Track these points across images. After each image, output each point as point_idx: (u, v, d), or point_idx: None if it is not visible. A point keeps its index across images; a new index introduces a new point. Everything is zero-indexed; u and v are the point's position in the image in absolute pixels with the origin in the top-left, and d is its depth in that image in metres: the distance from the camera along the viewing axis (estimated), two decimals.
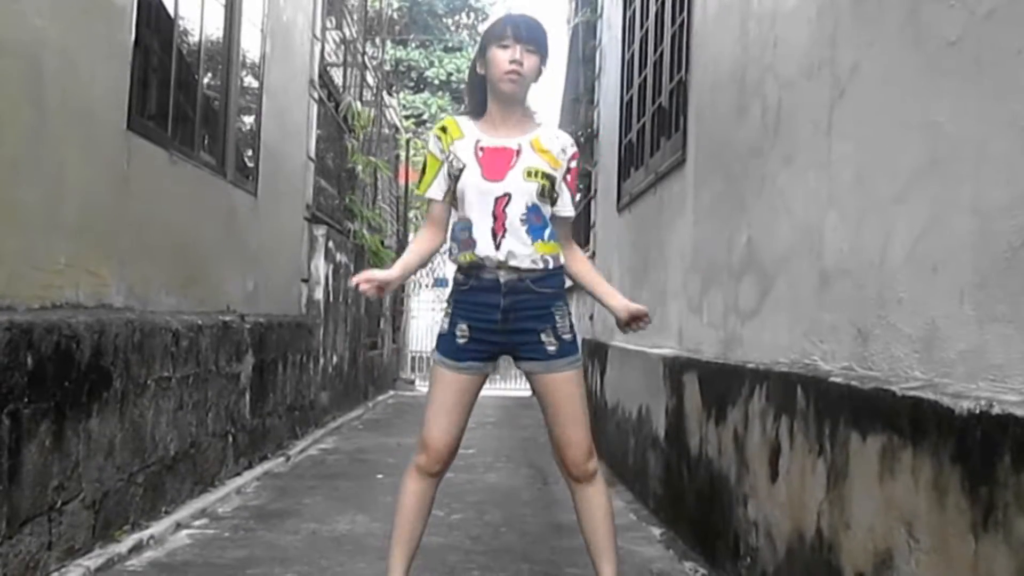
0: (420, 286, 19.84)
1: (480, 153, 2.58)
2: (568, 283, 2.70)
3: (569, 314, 2.65)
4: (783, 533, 2.66)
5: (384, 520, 4.20)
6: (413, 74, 22.90)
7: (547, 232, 2.57)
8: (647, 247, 5.36)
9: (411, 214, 14.61)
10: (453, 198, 2.65)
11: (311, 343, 7.27)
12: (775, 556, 2.72)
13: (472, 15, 24.81)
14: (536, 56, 2.56)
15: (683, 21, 4.52)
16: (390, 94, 13.89)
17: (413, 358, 18.29)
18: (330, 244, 7.87)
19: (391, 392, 12.59)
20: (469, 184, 2.55)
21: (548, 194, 2.58)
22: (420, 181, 2.72)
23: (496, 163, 2.56)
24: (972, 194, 1.85)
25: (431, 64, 22.92)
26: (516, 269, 2.52)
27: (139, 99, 3.95)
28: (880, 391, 2.06)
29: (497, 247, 2.51)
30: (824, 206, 2.61)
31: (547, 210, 2.60)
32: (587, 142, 8.45)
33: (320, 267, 7.63)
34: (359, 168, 9.49)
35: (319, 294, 7.63)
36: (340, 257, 8.47)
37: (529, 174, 2.55)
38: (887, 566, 1.98)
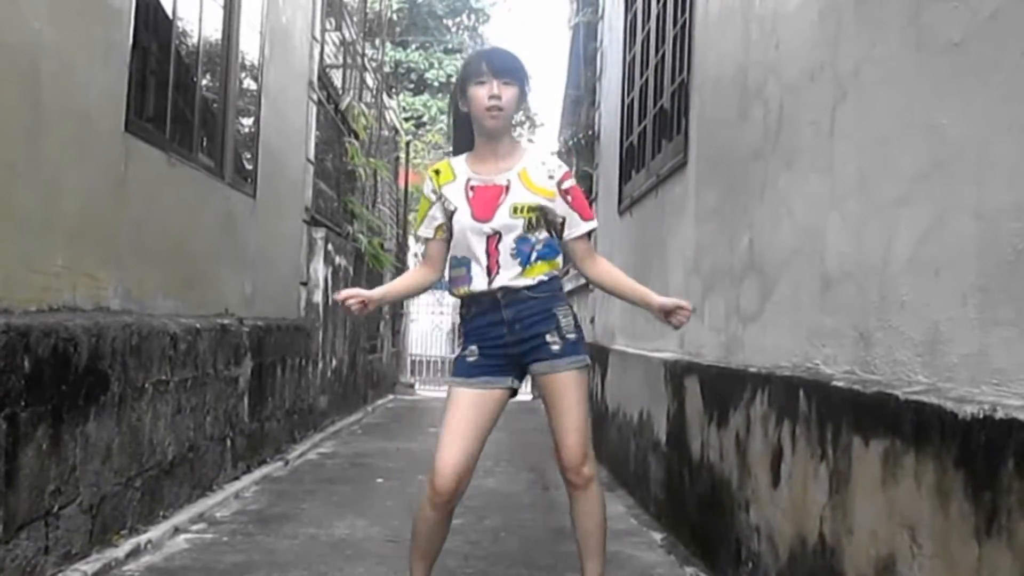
0: None
1: (471, 193, 2.66)
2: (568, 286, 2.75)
3: (574, 314, 2.71)
4: (785, 538, 2.65)
5: (383, 524, 4.19)
6: (413, 76, 22.90)
7: (534, 255, 2.63)
8: (648, 250, 5.35)
9: (411, 216, 14.59)
10: (448, 235, 2.73)
11: (310, 347, 7.26)
12: (777, 561, 2.70)
13: (472, 16, 24.82)
14: (514, 87, 2.61)
15: (684, 23, 4.50)
16: (390, 96, 13.89)
17: (413, 362, 18.28)
18: (329, 247, 7.86)
19: (391, 396, 12.58)
20: (462, 225, 2.64)
21: (538, 224, 2.64)
22: (416, 223, 2.86)
23: (485, 202, 2.63)
24: (975, 197, 1.84)
25: (431, 66, 22.92)
26: (509, 289, 2.62)
27: (137, 101, 3.94)
28: (883, 395, 2.04)
29: (491, 283, 2.62)
30: (826, 209, 2.59)
31: (536, 236, 2.64)
32: (588, 144, 8.44)
33: (319, 270, 7.62)
34: (360, 170, 9.48)
35: (318, 297, 7.61)
36: (339, 260, 8.45)
37: (516, 210, 2.61)
38: (890, 571, 1.97)
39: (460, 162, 2.73)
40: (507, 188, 2.64)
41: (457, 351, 2.78)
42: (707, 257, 3.95)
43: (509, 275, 2.60)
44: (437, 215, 2.72)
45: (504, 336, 2.62)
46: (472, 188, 2.66)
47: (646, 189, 5.40)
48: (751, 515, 2.96)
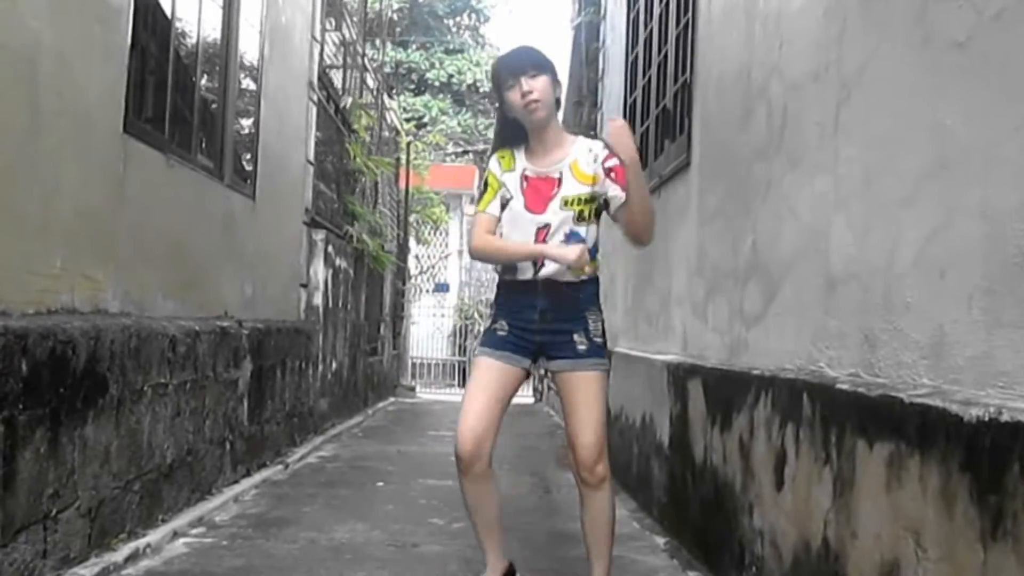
0: (420, 291, 19.76)
1: (525, 184, 2.79)
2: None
3: (603, 320, 2.82)
4: (789, 542, 2.63)
5: (383, 528, 4.17)
6: (414, 76, 22.90)
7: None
8: (651, 251, 5.31)
9: (412, 218, 14.58)
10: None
11: (310, 349, 7.24)
12: (780, 565, 2.68)
13: (473, 16, 24.82)
14: (542, 75, 2.72)
15: (687, 22, 4.49)
16: (390, 96, 13.88)
17: (414, 364, 18.21)
18: (329, 249, 7.84)
19: (391, 399, 12.55)
20: (514, 213, 2.79)
21: (589, 215, 2.77)
22: (480, 199, 2.94)
23: (539, 194, 2.77)
24: (981, 198, 1.82)
25: (432, 66, 22.92)
26: (552, 281, 2.74)
27: (136, 102, 3.92)
28: (887, 398, 2.02)
29: (536, 273, 2.73)
30: (830, 210, 2.57)
31: (587, 230, 2.76)
32: None
33: (319, 272, 7.60)
34: (360, 170, 9.45)
35: (318, 299, 7.59)
36: (340, 262, 8.43)
37: (566, 203, 2.74)
38: None
39: (519, 152, 2.85)
40: (559, 181, 2.77)
41: (487, 324, 2.90)
42: (710, 258, 3.93)
43: (555, 267, 2.70)
44: (499, 199, 2.84)
45: (534, 321, 2.74)
46: (526, 179, 2.80)
47: (649, 190, 5.37)
48: (754, 519, 2.94)
